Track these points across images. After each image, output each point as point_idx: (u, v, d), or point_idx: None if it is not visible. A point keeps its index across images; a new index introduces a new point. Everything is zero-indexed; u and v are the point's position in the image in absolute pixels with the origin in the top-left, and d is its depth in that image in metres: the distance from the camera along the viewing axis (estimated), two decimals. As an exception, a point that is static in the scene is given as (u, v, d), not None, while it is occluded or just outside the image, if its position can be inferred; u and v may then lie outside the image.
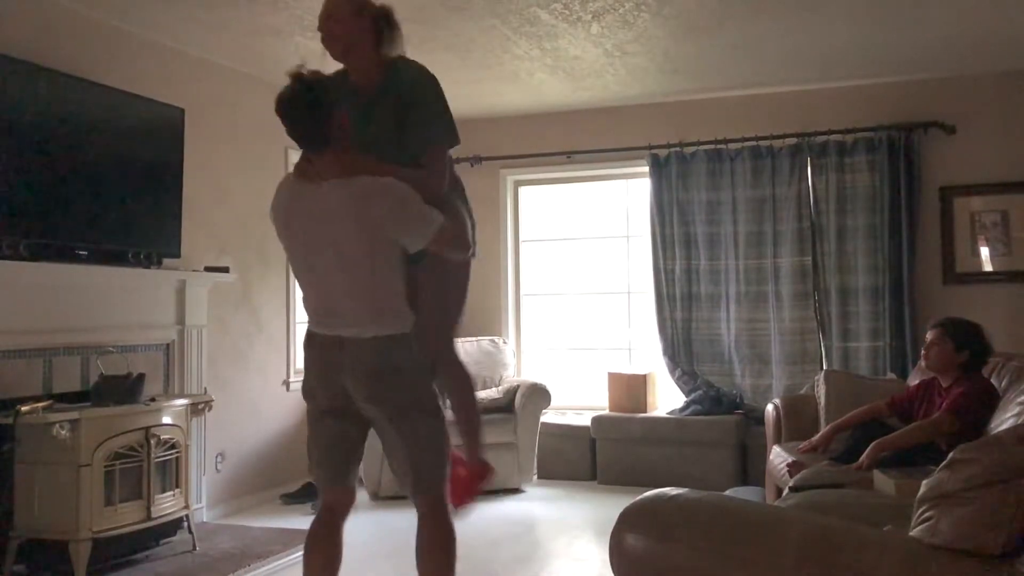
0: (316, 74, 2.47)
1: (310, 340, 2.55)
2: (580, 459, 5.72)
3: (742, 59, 5.00)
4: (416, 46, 4.65)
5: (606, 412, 5.70)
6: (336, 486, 2.63)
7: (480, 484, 2.91)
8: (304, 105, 2.42)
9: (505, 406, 5.40)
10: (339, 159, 2.41)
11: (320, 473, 2.64)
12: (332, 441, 2.59)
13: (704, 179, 5.74)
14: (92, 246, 3.90)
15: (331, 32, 2.66)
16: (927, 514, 1.57)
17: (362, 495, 5.20)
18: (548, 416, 5.69)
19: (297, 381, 5.39)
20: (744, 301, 5.66)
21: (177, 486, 3.92)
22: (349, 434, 2.57)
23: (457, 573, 3.15)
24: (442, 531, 2.57)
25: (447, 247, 2.53)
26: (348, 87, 2.61)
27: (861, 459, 3.30)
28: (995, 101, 5.31)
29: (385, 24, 2.63)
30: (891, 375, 5.09)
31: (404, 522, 4.69)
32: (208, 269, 4.58)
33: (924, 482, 1.62)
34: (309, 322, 2.56)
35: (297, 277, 2.59)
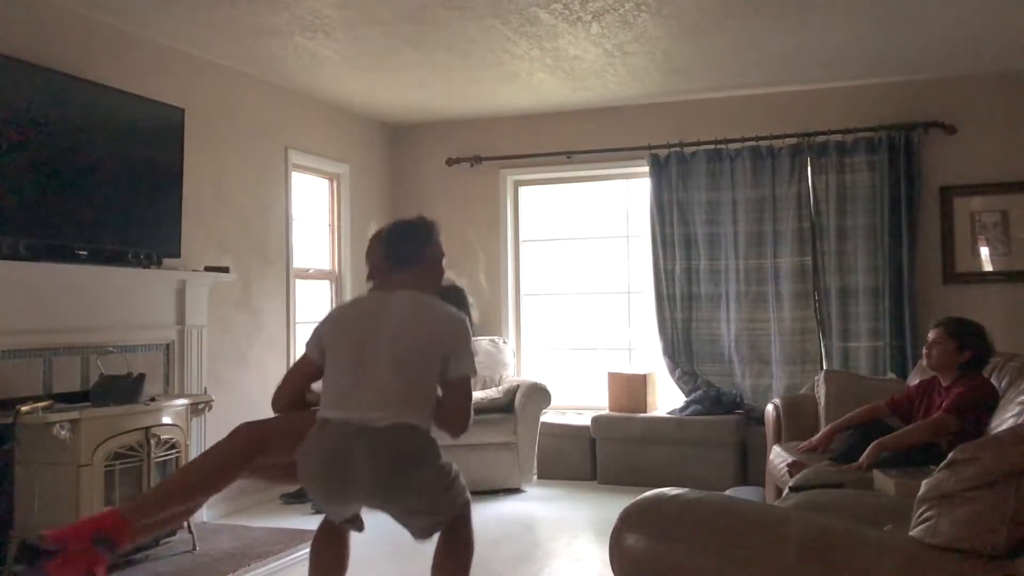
0: (432, 222, 2.88)
1: (322, 426, 2.57)
2: (580, 459, 5.72)
3: (742, 59, 5.00)
4: (416, 46, 4.67)
5: (606, 412, 5.70)
6: (344, 523, 2.72)
7: None
8: (418, 230, 2.83)
9: (505, 406, 5.40)
10: (421, 277, 2.78)
11: (334, 517, 2.73)
12: (343, 510, 2.66)
13: (704, 179, 5.74)
14: (92, 246, 3.90)
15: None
16: (927, 514, 1.57)
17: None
18: (548, 416, 5.69)
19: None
20: (744, 301, 5.66)
21: (177, 486, 3.91)
22: (359, 503, 2.64)
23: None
24: (463, 541, 2.66)
25: (460, 411, 2.65)
26: None
27: (861, 459, 3.30)
28: (995, 101, 5.31)
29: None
30: (891, 375, 5.09)
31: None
32: (208, 269, 4.58)
33: (924, 482, 1.62)
34: (325, 410, 2.60)
35: (335, 371, 2.65)
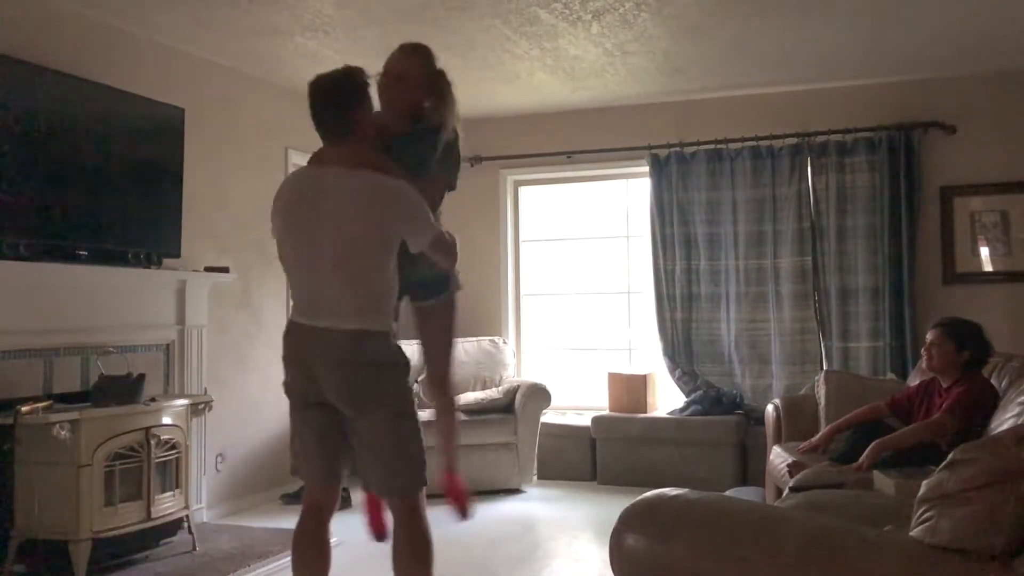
0: (361, 72, 2.55)
1: (289, 331, 2.55)
2: (580, 459, 5.72)
3: (742, 59, 5.00)
4: (416, 46, 4.66)
5: (606, 412, 5.70)
6: (327, 484, 2.60)
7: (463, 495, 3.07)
8: (340, 89, 2.50)
9: (505, 406, 5.40)
10: (353, 150, 2.48)
11: (311, 469, 2.61)
12: (320, 432, 2.55)
13: (704, 179, 5.74)
14: (92, 246, 3.90)
15: (397, 96, 2.77)
16: (927, 514, 1.57)
17: (361, 495, 5.20)
18: (548, 416, 5.69)
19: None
20: (744, 301, 5.66)
21: (177, 486, 3.92)
22: (336, 426, 2.52)
23: (455, 573, 3.15)
24: (419, 535, 2.51)
25: (443, 255, 2.62)
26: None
27: (861, 459, 3.30)
28: (995, 101, 5.31)
29: (438, 97, 2.85)
30: (891, 375, 5.08)
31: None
32: (208, 269, 4.58)
33: (924, 482, 1.62)
34: (292, 312, 2.57)
35: (288, 268, 2.59)
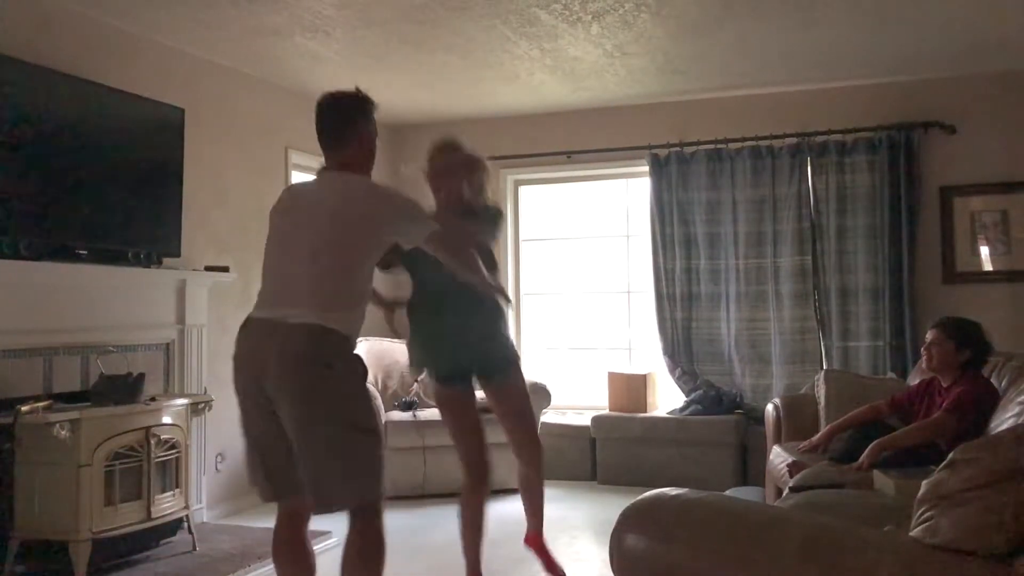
0: (367, 95, 2.62)
1: (245, 325, 2.47)
2: (580, 459, 5.72)
3: (742, 59, 5.00)
4: (416, 46, 4.67)
5: (606, 412, 5.70)
6: (287, 497, 2.50)
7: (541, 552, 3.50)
8: (342, 102, 2.57)
9: (505, 406, 5.40)
10: (347, 162, 2.54)
11: (266, 487, 2.51)
12: (268, 442, 2.44)
13: (704, 179, 5.74)
14: (92, 246, 3.90)
15: (445, 187, 3.20)
16: (927, 514, 1.57)
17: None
18: (548, 416, 5.68)
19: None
20: (744, 301, 5.66)
21: (177, 486, 3.92)
22: (284, 434, 2.39)
23: (455, 573, 3.15)
24: (372, 545, 2.40)
25: (449, 252, 2.57)
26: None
27: (861, 459, 3.30)
28: (995, 101, 5.31)
29: (480, 186, 3.24)
30: (891, 375, 5.08)
31: (404, 522, 4.70)
32: (208, 269, 4.58)
33: (924, 482, 1.62)
34: (253, 308, 2.50)
35: (264, 264, 2.54)
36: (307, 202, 2.52)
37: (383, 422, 5.12)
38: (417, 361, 3.35)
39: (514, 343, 3.48)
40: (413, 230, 2.48)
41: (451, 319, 3.23)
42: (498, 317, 3.34)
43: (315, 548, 4.00)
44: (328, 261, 2.40)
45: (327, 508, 2.38)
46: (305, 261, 2.40)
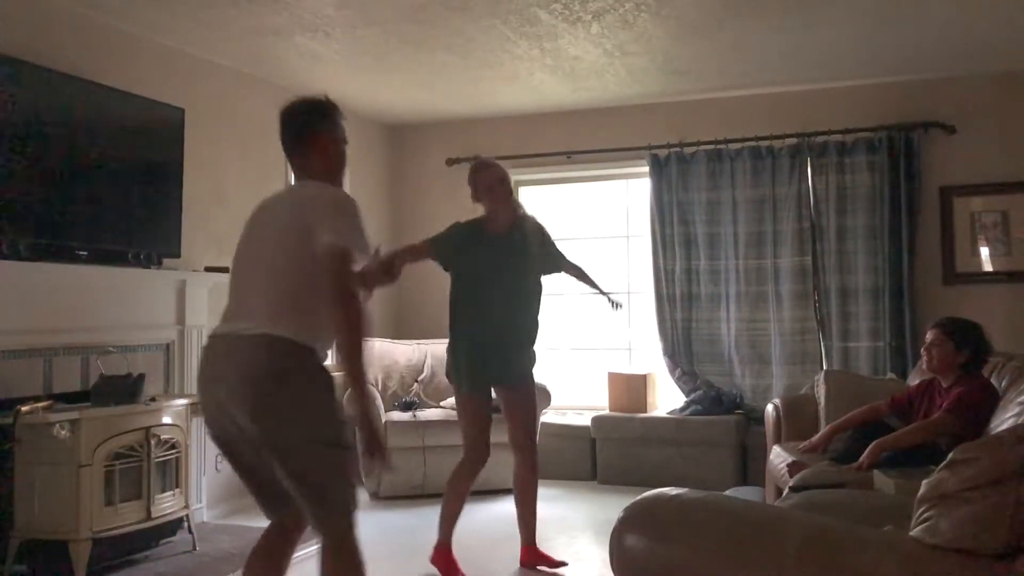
0: (328, 100, 2.59)
1: (207, 344, 2.38)
2: (580, 459, 5.72)
3: (742, 59, 5.00)
4: (416, 46, 4.67)
5: (606, 412, 5.70)
6: (282, 513, 2.40)
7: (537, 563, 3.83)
8: (298, 111, 2.55)
9: (505, 406, 5.40)
10: (309, 170, 2.51)
11: (262, 505, 2.42)
12: (249, 462, 2.32)
13: (704, 179, 5.74)
14: (92, 246, 3.90)
15: (506, 194, 3.78)
16: (927, 514, 1.57)
17: (362, 495, 5.20)
18: (548, 416, 5.68)
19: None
20: (744, 301, 5.66)
21: (177, 486, 3.92)
22: (255, 460, 2.28)
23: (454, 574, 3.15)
24: (343, 563, 2.27)
25: (333, 270, 2.23)
26: (484, 232, 3.75)
27: (861, 459, 3.30)
28: (995, 101, 5.31)
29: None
30: (891, 375, 5.08)
31: (404, 522, 4.69)
32: (208, 269, 4.58)
33: (924, 482, 1.62)
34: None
35: (230, 280, 2.46)
36: (266, 214, 2.44)
37: (383, 422, 5.12)
38: (455, 374, 3.72)
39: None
40: (327, 238, 2.22)
41: (500, 329, 3.66)
42: (537, 326, 3.80)
43: (313, 549, 4.02)
44: (280, 269, 2.28)
45: (324, 522, 2.27)
46: (259, 272, 2.32)
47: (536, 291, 3.80)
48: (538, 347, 3.86)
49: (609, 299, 4.15)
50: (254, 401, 2.17)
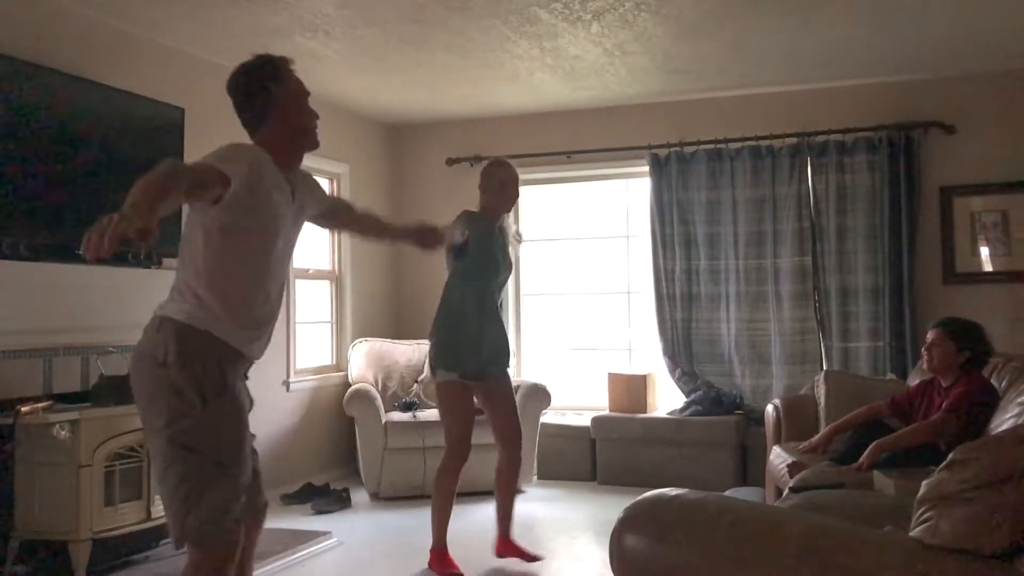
0: (268, 57, 2.39)
1: None
2: (580, 459, 5.71)
3: (742, 59, 5.00)
4: (416, 46, 4.67)
5: (606, 412, 5.70)
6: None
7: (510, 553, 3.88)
8: (234, 86, 2.43)
9: (505, 406, 5.40)
10: (265, 140, 2.37)
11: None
12: None
13: (704, 179, 5.74)
14: (92, 246, 3.89)
15: (515, 195, 3.91)
16: (927, 514, 1.57)
17: (362, 495, 5.20)
18: (548, 416, 5.69)
19: (297, 381, 5.39)
20: (744, 301, 5.66)
21: (177, 486, 3.91)
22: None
23: (455, 574, 3.15)
24: None
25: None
26: (489, 224, 3.84)
27: (861, 460, 3.30)
28: (995, 101, 5.31)
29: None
30: (891, 375, 5.09)
31: (404, 522, 4.69)
32: (208, 269, 4.57)
33: (924, 482, 1.62)
34: None
35: None
36: None
37: (383, 422, 5.12)
38: (451, 360, 3.73)
39: None
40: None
41: (491, 318, 3.78)
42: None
43: (314, 549, 4.03)
44: (185, 251, 2.24)
45: (177, 539, 2.09)
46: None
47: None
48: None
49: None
50: (134, 387, 2.15)
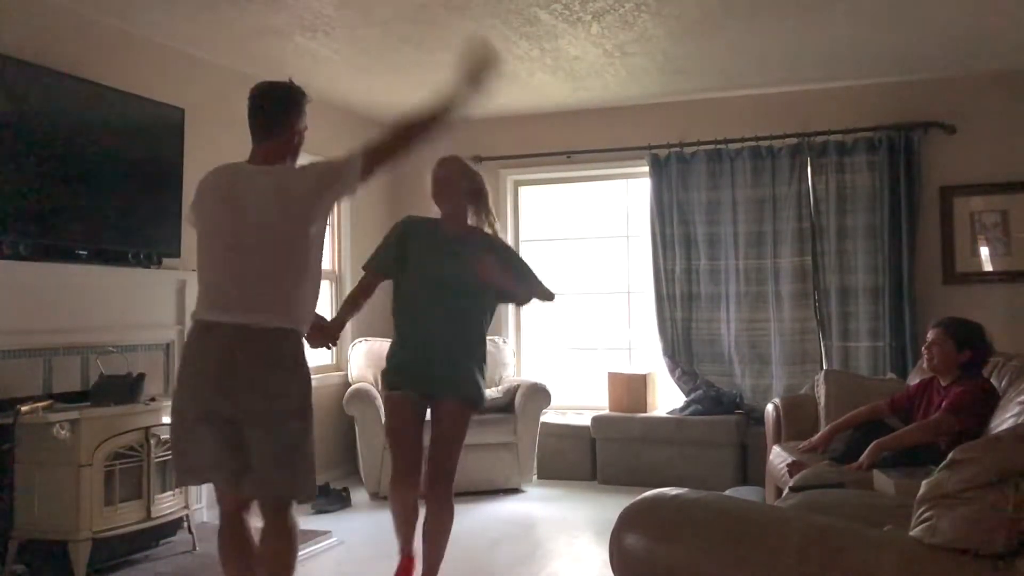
0: (297, 86, 2.68)
1: (206, 330, 2.46)
2: (580, 459, 5.72)
3: (742, 59, 5.00)
4: (416, 46, 4.67)
5: (606, 412, 5.70)
6: (235, 493, 2.56)
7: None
8: (283, 92, 2.63)
9: (505, 406, 5.40)
10: (273, 149, 2.58)
11: (215, 480, 2.56)
12: (218, 446, 2.46)
13: (704, 179, 5.75)
14: (92, 246, 3.90)
15: (447, 195, 3.32)
16: (927, 514, 1.57)
17: (362, 495, 5.20)
18: (548, 416, 5.69)
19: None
20: (744, 301, 5.67)
21: (177, 486, 3.91)
22: (232, 438, 2.45)
23: (455, 573, 3.15)
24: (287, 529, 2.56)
25: (384, 165, 2.62)
26: (439, 230, 3.29)
27: (861, 459, 3.30)
28: (995, 101, 5.31)
29: (481, 202, 3.31)
30: (891, 375, 5.09)
31: (404, 522, 4.68)
32: (208, 269, 4.57)
33: (924, 482, 1.62)
34: (201, 312, 2.49)
35: (208, 261, 2.54)
36: (246, 199, 2.50)
37: (383, 422, 5.12)
38: (394, 370, 3.25)
39: (482, 384, 3.28)
40: (337, 180, 2.54)
41: (432, 328, 3.17)
42: (479, 343, 3.26)
43: (314, 548, 4.03)
44: (276, 260, 2.50)
45: (280, 497, 2.54)
46: (256, 265, 2.50)
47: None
48: (477, 370, 3.28)
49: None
50: (266, 385, 2.48)
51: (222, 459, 2.46)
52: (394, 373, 3.22)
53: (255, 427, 2.42)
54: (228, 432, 2.43)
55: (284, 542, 2.50)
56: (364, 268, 3.32)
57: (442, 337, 3.16)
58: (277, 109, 2.58)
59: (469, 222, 3.32)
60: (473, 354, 3.23)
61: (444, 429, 3.16)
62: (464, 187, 3.29)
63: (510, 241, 6.38)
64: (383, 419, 3.42)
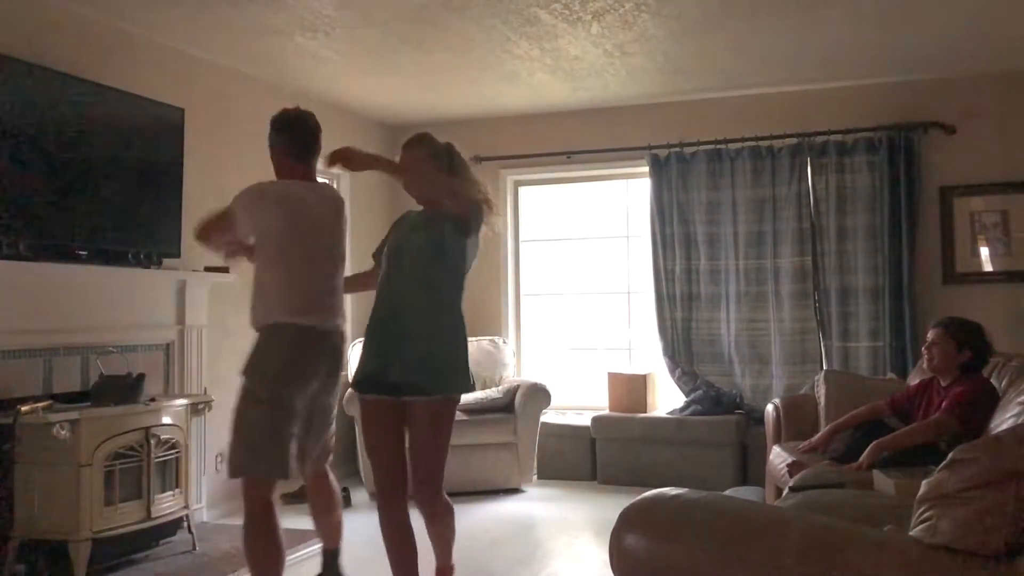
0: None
1: (307, 334, 2.90)
2: (580, 459, 5.72)
3: (742, 59, 5.00)
4: (416, 46, 4.67)
5: (606, 412, 5.70)
6: (297, 474, 3.02)
7: None
8: (314, 122, 3.20)
9: (505, 406, 5.40)
10: (313, 170, 3.20)
11: (289, 465, 2.88)
12: (292, 430, 2.90)
13: (704, 179, 5.75)
14: (92, 246, 3.90)
15: (415, 183, 3.10)
16: (927, 514, 1.57)
17: (362, 495, 5.21)
18: (548, 416, 5.69)
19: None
20: (744, 301, 5.67)
21: (177, 486, 3.92)
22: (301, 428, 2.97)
23: (454, 573, 3.16)
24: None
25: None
26: (420, 215, 3.13)
27: (861, 459, 3.30)
28: (995, 101, 5.31)
29: (447, 160, 3.15)
30: (891, 375, 5.09)
31: (404, 522, 4.67)
32: (208, 269, 4.57)
33: (924, 482, 1.62)
34: (299, 316, 2.89)
35: (299, 270, 2.96)
36: (318, 215, 3.07)
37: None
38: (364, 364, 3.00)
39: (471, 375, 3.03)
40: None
41: (396, 298, 2.94)
42: (448, 311, 2.97)
43: (314, 548, 4.02)
44: (340, 271, 3.15)
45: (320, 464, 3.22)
46: (329, 276, 3.08)
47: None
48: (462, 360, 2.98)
49: None
50: (337, 373, 3.12)
51: (297, 448, 2.90)
52: (365, 356, 2.97)
53: (323, 416, 3.06)
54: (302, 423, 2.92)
55: (335, 500, 3.25)
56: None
57: (407, 305, 2.90)
58: (319, 136, 3.15)
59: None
60: (441, 321, 2.92)
61: (419, 432, 2.90)
62: (434, 167, 3.06)
63: (510, 241, 6.41)
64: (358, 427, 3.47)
